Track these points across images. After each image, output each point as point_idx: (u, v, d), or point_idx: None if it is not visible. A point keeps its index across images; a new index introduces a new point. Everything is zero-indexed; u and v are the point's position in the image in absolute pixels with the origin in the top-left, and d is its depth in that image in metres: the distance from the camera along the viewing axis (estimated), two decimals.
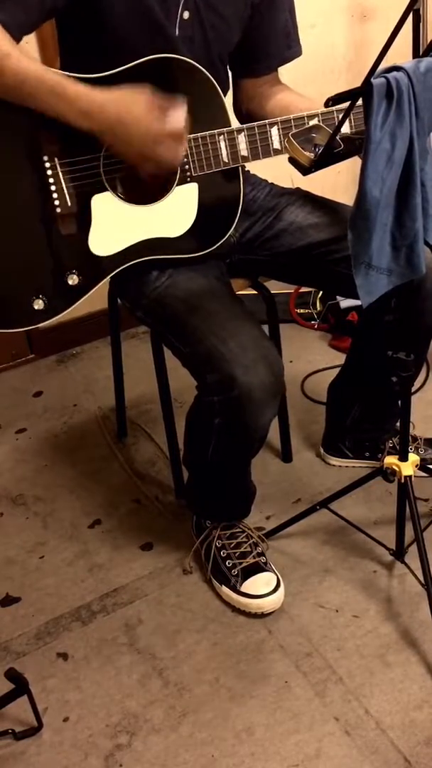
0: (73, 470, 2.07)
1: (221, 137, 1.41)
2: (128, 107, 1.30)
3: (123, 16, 1.36)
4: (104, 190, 1.41)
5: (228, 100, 1.48)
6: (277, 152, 1.42)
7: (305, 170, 1.29)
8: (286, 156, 1.37)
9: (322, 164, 1.27)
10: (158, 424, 2.01)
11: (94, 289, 1.46)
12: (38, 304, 1.42)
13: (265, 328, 1.60)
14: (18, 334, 2.49)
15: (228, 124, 1.42)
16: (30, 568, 1.78)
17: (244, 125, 1.41)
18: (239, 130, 1.41)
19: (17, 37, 1.30)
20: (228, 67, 1.57)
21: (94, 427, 2.22)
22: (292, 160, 1.30)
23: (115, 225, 1.42)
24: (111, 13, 1.36)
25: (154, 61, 1.36)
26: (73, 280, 1.43)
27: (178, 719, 1.44)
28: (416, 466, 1.55)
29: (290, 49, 1.60)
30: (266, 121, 1.41)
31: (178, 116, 1.31)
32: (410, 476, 1.54)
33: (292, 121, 1.39)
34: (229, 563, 1.64)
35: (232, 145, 1.41)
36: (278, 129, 1.40)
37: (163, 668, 1.53)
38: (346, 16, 2.58)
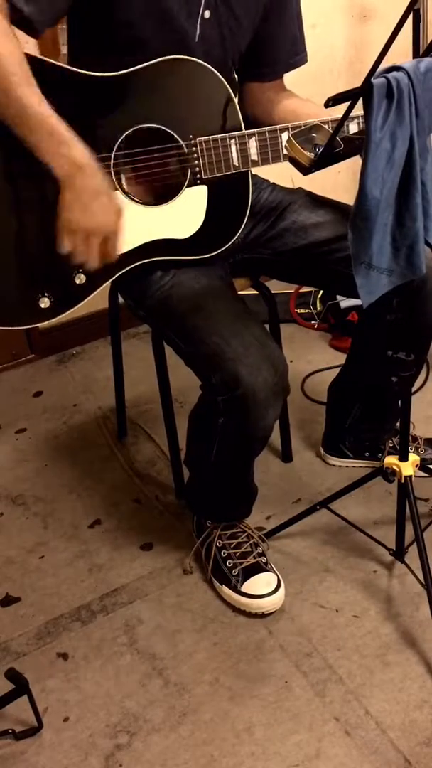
0: (73, 470, 2.07)
1: (232, 141, 1.41)
2: (109, 195, 1.32)
3: (140, 13, 1.36)
4: (114, 189, 1.41)
5: None
6: (287, 158, 1.42)
7: (305, 170, 1.28)
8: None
9: (322, 164, 1.26)
10: (158, 424, 2.01)
11: (99, 289, 1.46)
12: (44, 303, 1.43)
13: (266, 327, 1.60)
14: (18, 334, 2.50)
15: (240, 127, 1.43)
16: (30, 568, 1.78)
17: (255, 130, 1.42)
18: (250, 135, 1.41)
19: (40, 31, 1.29)
20: (235, 70, 1.57)
21: (94, 427, 2.22)
22: (292, 160, 1.30)
23: (124, 225, 1.42)
24: (128, 10, 1.35)
25: (169, 62, 1.36)
26: (80, 279, 1.43)
27: (178, 719, 1.44)
28: (416, 466, 1.55)
29: (297, 55, 1.61)
30: (277, 126, 1.41)
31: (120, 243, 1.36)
32: (410, 476, 1.54)
33: (302, 127, 1.39)
34: (229, 563, 1.64)
35: (243, 149, 1.42)
36: (289, 135, 1.40)
37: (163, 668, 1.53)
38: (346, 16, 2.58)
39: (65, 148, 1.26)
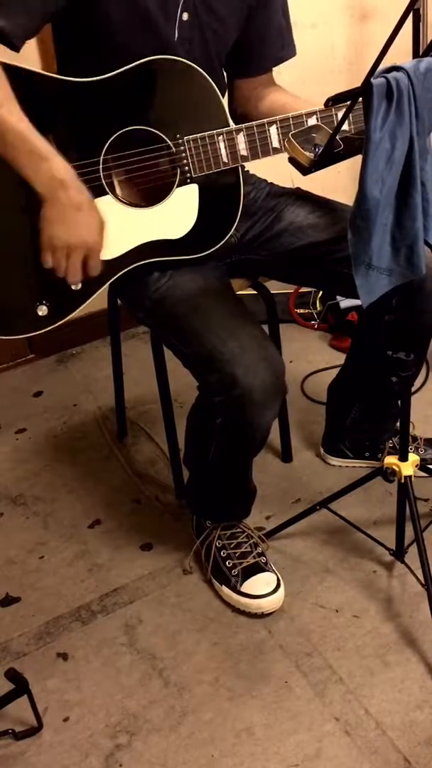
0: (73, 470, 2.07)
1: (220, 137, 1.41)
2: (91, 209, 1.29)
3: (120, 19, 1.36)
4: (104, 193, 1.40)
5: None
6: (276, 151, 1.42)
7: (305, 170, 1.29)
8: (286, 156, 1.37)
9: (322, 164, 1.27)
10: (158, 424, 2.01)
11: (97, 293, 1.46)
12: (42, 311, 1.43)
13: (265, 328, 1.60)
14: None
15: (227, 124, 1.43)
16: (30, 568, 1.78)
17: (243, 125, 1.41)
18: (238, 130, 1.41)
19: (19, 45, 1.29)
20: (222, 68, 1.57)
21: (94, 427, 2.22)
22: (292, 160, 1.30)
23: (117, 228, 1.42)
24: (108, 16, 1.35)
25: (152, 62, 1.36)
26: (76, 285, 1.43)
27: (178, 719, 1.44)
28: (416, 466, 1.55)
29: (284, 49, 1.60)
30: (265, 120, 1.41)
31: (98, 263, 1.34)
32: (410, 476, 1.54)
33: (290, 119, 1.39)
34: (229, 563, 1.64)
35: (232, 145, 1.41)
36: (277, 128, 1.40)
37: (163, 668, 1.53)
38: (346, 16, 2.58)
39: (45, 163, 1.24)
